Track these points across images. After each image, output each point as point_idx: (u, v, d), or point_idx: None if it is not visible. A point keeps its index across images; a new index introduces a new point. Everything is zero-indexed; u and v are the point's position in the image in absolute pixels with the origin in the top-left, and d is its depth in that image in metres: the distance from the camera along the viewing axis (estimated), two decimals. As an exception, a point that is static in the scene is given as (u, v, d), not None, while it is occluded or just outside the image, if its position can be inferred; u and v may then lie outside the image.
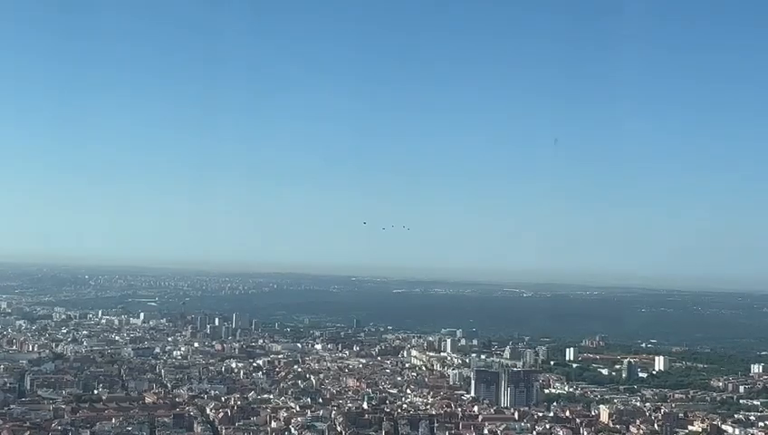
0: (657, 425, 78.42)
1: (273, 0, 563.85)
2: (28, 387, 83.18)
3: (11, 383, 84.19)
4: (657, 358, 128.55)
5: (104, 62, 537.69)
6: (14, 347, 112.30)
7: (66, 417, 69.95)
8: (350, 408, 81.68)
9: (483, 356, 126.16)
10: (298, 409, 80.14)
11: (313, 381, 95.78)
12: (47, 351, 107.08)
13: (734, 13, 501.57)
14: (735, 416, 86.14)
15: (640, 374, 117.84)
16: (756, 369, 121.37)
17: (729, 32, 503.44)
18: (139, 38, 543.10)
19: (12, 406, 73.76)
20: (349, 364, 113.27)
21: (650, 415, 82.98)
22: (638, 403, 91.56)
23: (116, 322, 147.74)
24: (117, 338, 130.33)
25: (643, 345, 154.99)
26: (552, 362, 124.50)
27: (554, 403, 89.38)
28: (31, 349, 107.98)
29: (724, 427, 78.75)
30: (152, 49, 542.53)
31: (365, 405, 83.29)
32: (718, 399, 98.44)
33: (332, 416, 76.09)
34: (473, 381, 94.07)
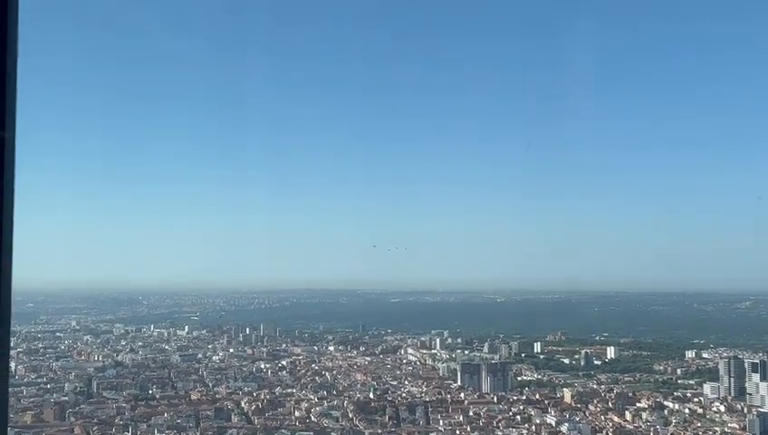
0: (611, 403, 78.28)
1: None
2: (95, 390, 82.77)
3: (81, 387, 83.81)
4: (608, 348, 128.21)
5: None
6: (83, 357, 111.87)
7: (127, 414, 69.80)
8: (358, 398, 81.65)
9: (466, 352, 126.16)
10: (316, 400, 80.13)
11: (328, 377, 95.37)
12: (109, 360, 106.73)
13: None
14: (674, 393, 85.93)
15: (595, 362, 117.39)
16: (690, 354, 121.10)
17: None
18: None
19: (82, 406, 73.60)
20: (356, 362, 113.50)
21: (605, 395, 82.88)
22: (594, 386, 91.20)
23: (165, 334, 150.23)
24: (166, 347, 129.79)
25: (597, 338, 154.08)
26: (523, 355, 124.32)
27: (526, 388, 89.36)
28: (96, 359, 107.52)
29: (665, 403, 78.60)
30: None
31: (371, 395, 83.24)
32: (660, 380, 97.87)
33: (345, 405, 76.01)
34: (459, 373, 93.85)
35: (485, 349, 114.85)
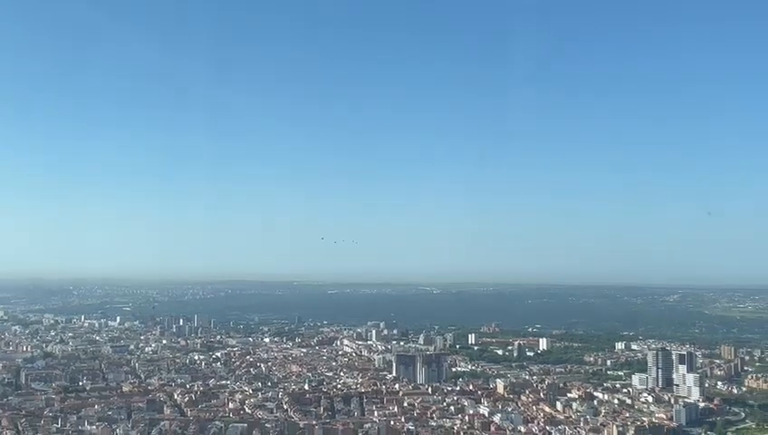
0: (543, 393, 79.91)
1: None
2: (23, 381, 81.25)
3: (8, 379, 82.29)
4: (541, 340, 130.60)
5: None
6: (11, 348, 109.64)
7: (56, 405, 68.63)
8: (294, 389, 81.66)
9: (401, 343, 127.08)
10: (251, 391, 79.94)
11: (263, 369, 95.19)
12: (38, 350, 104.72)
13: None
14: (604, 384, 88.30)
15: (528, 353, 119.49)
16: (619, 346, 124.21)
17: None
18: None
19: (9, 398, 72.11)
20: (292, 353, 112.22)
21: (537, 386, 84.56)
22: (527, 377, 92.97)
23: (96, 325, 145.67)
24: (97, 338, 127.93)
25: (530, 330, 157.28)
26: (457, 346, 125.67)
27: (460, 379, 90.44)
28: (25, 349, 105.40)
29: (595, 393, 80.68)
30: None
31: (306, 386, 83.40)
32: (590, 371, 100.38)
33: (280, 396, 75.96)
34: (394, 364, 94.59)
35: (421, 340, 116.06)
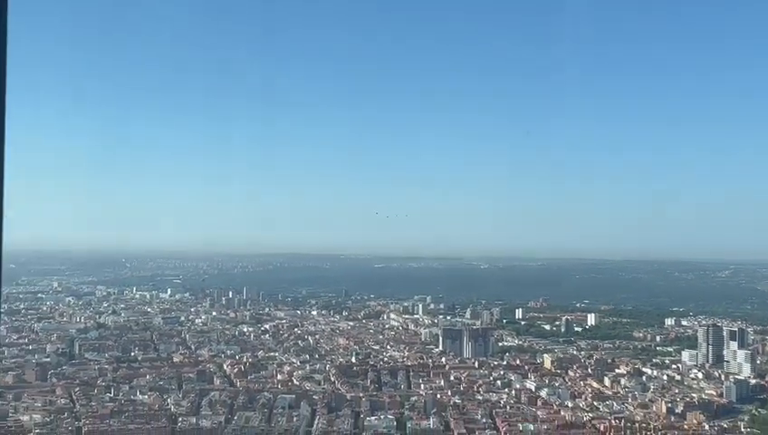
0: (591, 369, 79.38)
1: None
2: (77, 351, 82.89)
3: (63, 348, 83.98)
4: (589, 315, 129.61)
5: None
6: (65, 319, 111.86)
7: (109, 375, 70.11)
8: (341, 362, 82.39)
9: (448, 317, 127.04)
10: (299, 363, 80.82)
11: (311, 341, 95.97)
12: (92, 321, 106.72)
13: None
14: (653, 360, 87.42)
15: (576, 329, 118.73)
16: (669, 322, 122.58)
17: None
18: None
19: (64, 367, 73.79)
20: (339, 326, 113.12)
21: (585, 361, 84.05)
22: (574, 352, 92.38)
23: (147, 296, 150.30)
24: (149, 310, 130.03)
25: (578, 305, 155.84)
26: (504, 321, 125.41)
27: (507, 354, 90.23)
28: (78, 320, 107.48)
29: (644, 369, 79.95)
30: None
31: (353, 359, 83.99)
32: (639, 347, 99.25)
33: (327, 369, 76.71)
34: (440, 338, 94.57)
35: (467, 315, 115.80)
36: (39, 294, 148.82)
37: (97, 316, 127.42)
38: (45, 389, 63.67)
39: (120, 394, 62.89)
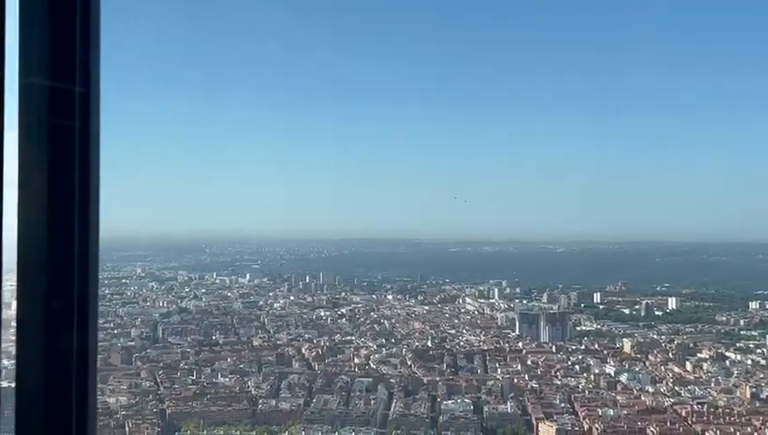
0: (672, 353, 77.68)
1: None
2: (160, 335, 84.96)
3: (146, 332, 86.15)
4: (669, 299, 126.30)
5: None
6: (148, 303, 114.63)
7: (191, 358, 71.80)
8: (417, 346, 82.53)
9: (524, 301, 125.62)
10: (375, 347, 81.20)
11: (386, 325, 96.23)
12: (174, 306, 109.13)
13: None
14: (737, 345, 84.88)
15: (656, 313, 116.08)
16: (754, 305, 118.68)
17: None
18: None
19: (148, 350, 75.86)
20: (415, 311, 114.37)
21: (665, 346, 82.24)
22: (655, 336, 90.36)
23: (227, 281, 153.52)
24: (229, 294, 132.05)
25: (658, 288, 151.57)
26: (582, 305, 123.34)
27: (585, 338, 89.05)
28: (161, 304, 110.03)
29: (727, 353, 77.75)
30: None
31: (429, 343, 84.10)
32: (722, 331, 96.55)
33: (403, 352, 76.92)
34: (517, 322, 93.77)
35: (544, 299, 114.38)
36: (123, 280, 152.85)
37: (179, 301, 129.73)
38: (130, 372, 65.54)
39: (203, 377, 64.34)
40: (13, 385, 1.74)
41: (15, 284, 1.73)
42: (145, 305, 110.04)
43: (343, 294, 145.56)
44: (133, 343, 71.71)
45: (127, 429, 46.86)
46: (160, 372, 63.49)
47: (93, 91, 1.74)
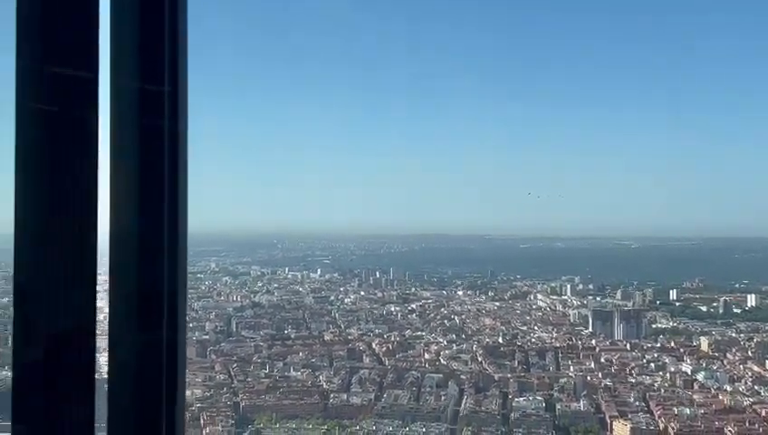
0: (751, 352, 75.30)
1: None
2: (234, 329, 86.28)
3: (220, 326, 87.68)
4: (748, 296, 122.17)
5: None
6: (222, 298, 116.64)
7: (264, 352, 72.81)
8: (487, 342, 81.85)
9: (598, 298, 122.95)
10: (445, 343, 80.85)
11: (457, 321, 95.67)
12: (247, 300, 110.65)
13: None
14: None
15: (734, 310, 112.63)
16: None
17: None
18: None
19: (222, 344, 77.21)
20: (485, 307, 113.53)
21: (744, 344, 79.75)
22: (733, 334, 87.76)
23: (299, 276, 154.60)
24: (300, 289, 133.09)
25: (737, 285, 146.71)
26: (657, 302, 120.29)
27: (661, 336, 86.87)
28: (234, 299, 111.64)
29: (811, 353, 75.33)
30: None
31: (500, 340, 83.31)
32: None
33: (474, 349, 76.41)
34: (590, 319, 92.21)
35: (618, 296, 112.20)
36: (198, 275, 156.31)
37: (252, 295, 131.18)
38: (205, 365, 66.80)
39: (275, 371, 65.12)
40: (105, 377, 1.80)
41: (108, 280, 1.79)
42: (219, 300, 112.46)
43: (413, 289, 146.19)
44: (208, 337, 73.13)
45: (202, 421, 47.86)
46: (234, 365, 64.54)
47: (181, 90, 1.78)
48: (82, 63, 1.65)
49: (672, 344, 74.97)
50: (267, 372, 63.64)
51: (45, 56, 1.67)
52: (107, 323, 1.86)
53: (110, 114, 1.74)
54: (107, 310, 1.85)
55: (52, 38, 1.67)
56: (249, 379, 61.91)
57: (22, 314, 1.69)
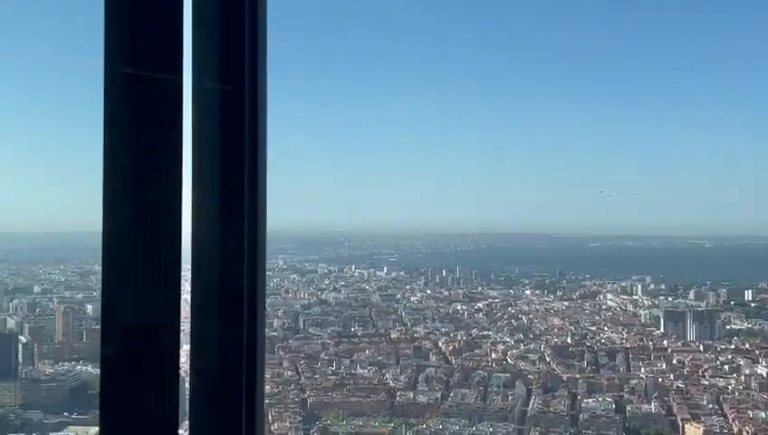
0: (832, 356, 73.17)
1: None
2: (301, 326, 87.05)
3: (288, 323, 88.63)
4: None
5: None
6: (290, 295, 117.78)
7: (331, 349, 73.40)
8: (556, 342, 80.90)
9: (669, 298, 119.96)
10: (513, 343, 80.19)
11: (524, 321, 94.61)
12: (314, 297, 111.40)
13: None
14: None
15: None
16: None
17: None
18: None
19: (290, 340, 78.12)
20: (553, 306, 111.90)
21: (825, 347, 77.60)
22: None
23: (365, 274, 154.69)
24: (366, 287, 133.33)
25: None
26: (732, 302, 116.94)
27: (735, 337, 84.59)
28: (302, 296, 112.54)
29: None
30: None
31: (569, 340, 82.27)
32: None
33: (541, 349, 75.64)
34: (662, 320, 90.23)
35: (691, 296, 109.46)
36: (267, 272, 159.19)
37: (319, 293, 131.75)
38: (273, 361, 67.72)
39: (342, 368, 65.49)
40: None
41: (190, 278, 1.83)
42: (287, 297, 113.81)
43: (480, 288, 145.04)
44: (276, 334, 74.11)
45: (270, 416, 48.48)
46: (301, 362, 65.23)
47: (261, 93, 1.81)
48: (168, 67, 1.69)
49: (747, 346, 73.01)
50: (334, 369, 64.04)
51: (132, 60, 1.71)
52: (189, 322, 1.90)
53: (192, 115, 1.78)
54: (188, 308, 1.89)
55: (138, 42, 1.71)
56: (316, 376, 62.42)
57: (109, 311, 1.74)
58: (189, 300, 1.81)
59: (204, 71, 1.75)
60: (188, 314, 1.83)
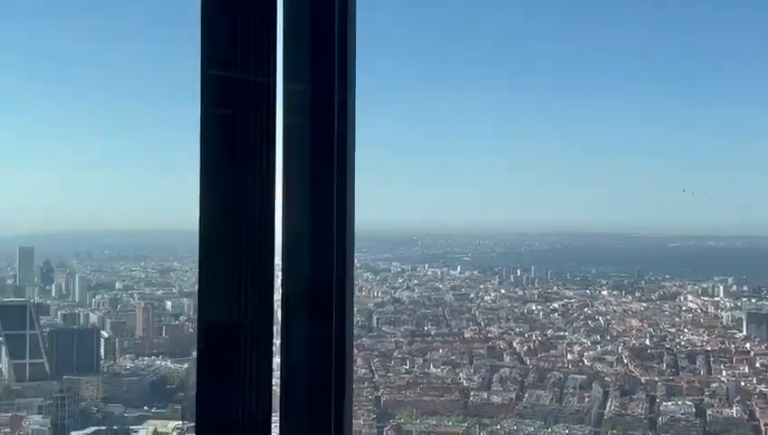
0: None
1: None
2: (375, 324, 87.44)
3: (362, 321, 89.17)
4: None
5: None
6: (363, 293, 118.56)
7: (404, 348, 73.44)
8: (634, 344, 79.37)
9: (753, 300, 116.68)
10: (589, 344, 78.96)
11: (601, 322, 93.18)
12: (388, 296, 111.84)
13: None
14: None
15: None
16: None
17: None
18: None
19: (363, 339, 78.56)
20: (631, 307, 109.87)
21: None
22: None
23: (439, 273, 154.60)
24: (440, 286, 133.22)
25: None
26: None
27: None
28: (375, 295, 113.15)
29: None
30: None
31: (647, 342, 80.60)
32: None
33: (619, 350, 74.29)
34: (744, 322, 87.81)
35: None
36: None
37: (392, 291, 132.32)
38: (347, 359, 68.46)
39: (415, 367, 65.46)
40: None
41: (281, 273, 1.87)
42: (360, 295, 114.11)
43: (555, 288, 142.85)
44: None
45: (344, 414, 48.89)
46: (375, 360, 65.43)
47: (350, 95, 1.84)
48: (262, 69, 1.74)
49: (835, 351, 68.96)
50: (407, 367, 63.98)
51: (228, 63, 1.76)
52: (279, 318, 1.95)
53: (283, 116, 1.82)
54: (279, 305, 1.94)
55: (234, 45, 1.77)
56: (389, 374, 62.47)
57: (205, 309, 1.79)
58: (279, 298, 1.85)
59: (294, 73, 1.78)
60: (278, 310, 1.88)
